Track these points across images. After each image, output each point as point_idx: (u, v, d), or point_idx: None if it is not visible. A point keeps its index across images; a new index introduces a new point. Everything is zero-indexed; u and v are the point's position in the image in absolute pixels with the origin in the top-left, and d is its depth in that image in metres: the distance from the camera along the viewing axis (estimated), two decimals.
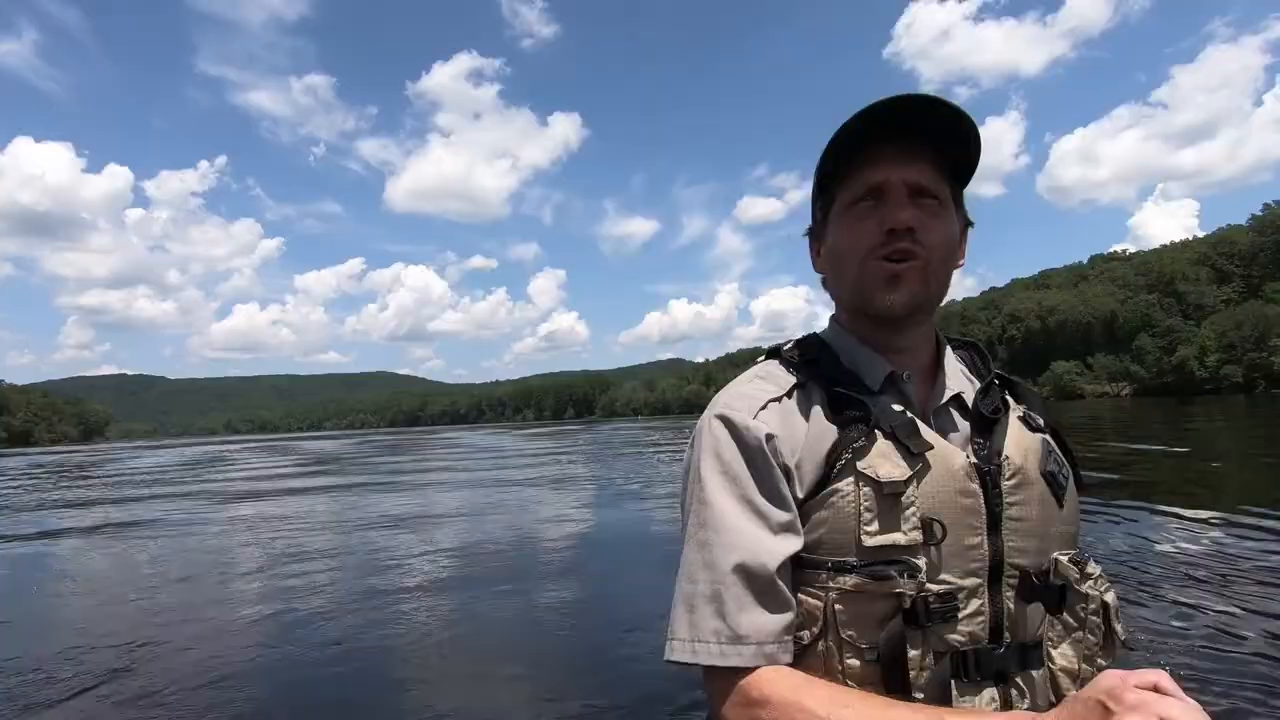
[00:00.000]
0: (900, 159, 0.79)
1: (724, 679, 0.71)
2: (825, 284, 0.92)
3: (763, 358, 0.91)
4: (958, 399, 0.85)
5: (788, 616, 0.72)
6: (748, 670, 0.70)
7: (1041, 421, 0.86)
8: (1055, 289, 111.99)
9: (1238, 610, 3.09)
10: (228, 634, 3.89)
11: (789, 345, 0.91)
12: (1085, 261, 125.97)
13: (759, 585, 0.72)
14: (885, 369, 0.83)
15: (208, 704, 2.87)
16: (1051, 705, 0.71)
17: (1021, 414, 0.86)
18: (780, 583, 0.72)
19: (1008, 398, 0.87)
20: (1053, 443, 0.85)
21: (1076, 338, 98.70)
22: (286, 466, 20.20)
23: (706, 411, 0.84)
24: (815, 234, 0.92)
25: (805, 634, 0.74)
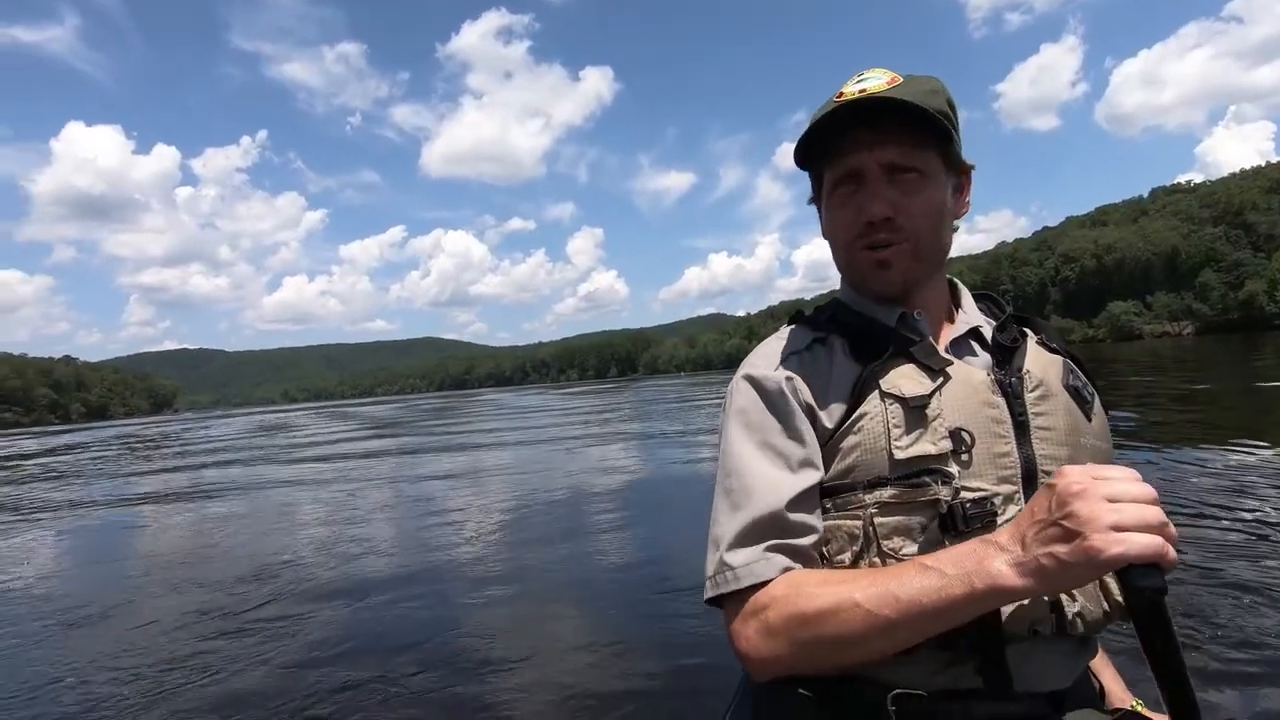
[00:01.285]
0: (873, 142, 0.80)
1: (740, 601, 0.74)
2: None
3: (785, 324, 0.94)
4: (975, 332, 0.87)
5: (803, 540, 0.76)
6: (760, 587, 0.73)
7: (1059, 347, 0.89)
8: (1113, 225, 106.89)
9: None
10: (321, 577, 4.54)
11: (809, 312, 0.95)
12: (1146, 195, 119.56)
13: (775, 516, 0.76)
14: (897, 311, 0.86)
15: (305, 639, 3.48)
16: (1105, 613, 0.74)
17: (1039, 340, 0.89)
18: (794, 512, 0.76)
19: (1025, 330, 0.90)
20: (1073, 364, 0.87)
21: (1135, 276, 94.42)
22: (353, 429, 21.37)
23: (735, 375, 0.89)
24: (817, 201, 0.93)
25: (845, 555, 0.76)
